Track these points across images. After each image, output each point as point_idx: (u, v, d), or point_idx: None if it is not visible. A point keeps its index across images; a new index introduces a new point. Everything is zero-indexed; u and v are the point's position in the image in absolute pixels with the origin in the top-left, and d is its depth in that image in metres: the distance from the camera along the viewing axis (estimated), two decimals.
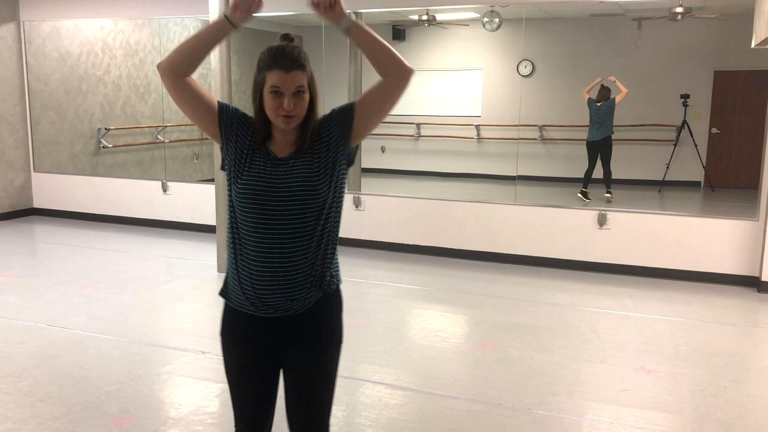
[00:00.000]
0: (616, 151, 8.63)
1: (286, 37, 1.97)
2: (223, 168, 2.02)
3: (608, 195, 8.36)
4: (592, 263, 6.36)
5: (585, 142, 8.74)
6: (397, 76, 1.95)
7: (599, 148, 8.50)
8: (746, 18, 6.47)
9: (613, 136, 8.52)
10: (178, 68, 1.92)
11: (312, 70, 1.95)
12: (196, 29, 8.89)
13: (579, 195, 8.47)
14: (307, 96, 1.93)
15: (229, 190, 2.00)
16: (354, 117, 1.98)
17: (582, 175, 8.67)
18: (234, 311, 2.04)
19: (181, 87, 1.94)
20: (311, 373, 2.03)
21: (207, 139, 8.94)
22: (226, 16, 1.89)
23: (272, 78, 1.88)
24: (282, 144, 1.99)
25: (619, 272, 6.25)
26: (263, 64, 1.91)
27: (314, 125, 1.98)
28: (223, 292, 2.06)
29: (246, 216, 1.95)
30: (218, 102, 2.01)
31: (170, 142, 8.81)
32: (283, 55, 1.88)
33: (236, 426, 2.15)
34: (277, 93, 1.89)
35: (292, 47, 1.92)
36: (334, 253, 2.04)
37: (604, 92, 8.42)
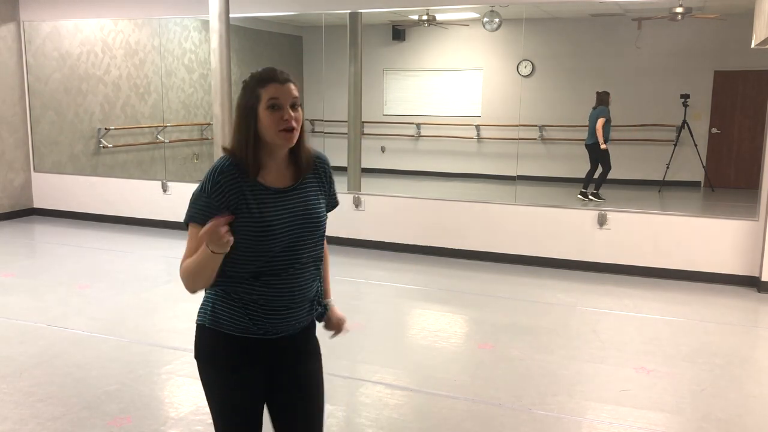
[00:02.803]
0: (617, 151, 8.63)
1: None
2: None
3: (580, 196, 8.38)
4: (592, 263, 6.36)
5: (584, 142, 8.80)
6: None
7: (590, 151, 8.59)
8: (746, 18, 6.47)
9: (613, 137, 8.54)
10: (199, 290, 1.94)
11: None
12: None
13: (590, 197, 8.48)
14: (301, 114, 1.93)
15: (234, 233, 1.87)
16: (327, 201, 2.08)
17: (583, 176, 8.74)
18: (227, 337, 1.93)
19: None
20: (315, 383, 2.07)
21: (207, 138, 8.95)
22: (207, 246, 1.82)
23: (269, 91, 1.86)
24: (276, 173, 1.94)
25: (619, 272, 6.24)
26: (254, 84, 1.88)
27: (308, 152, 2.00)
28: (213, 321, 1.94)
29: (261, 252, 1.88)
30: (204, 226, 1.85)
31: (170, 142, 8.81)
32: (275, 71, 1.90)
33: None
34: (274, 107, 1.86)
35: (278, 68, 1.94)
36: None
37: (601, 96, 8.46)
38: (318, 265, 2.03)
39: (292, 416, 2.05)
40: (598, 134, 8.32)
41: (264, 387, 2.00)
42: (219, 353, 1.95)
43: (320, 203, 2.02)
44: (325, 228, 2.03)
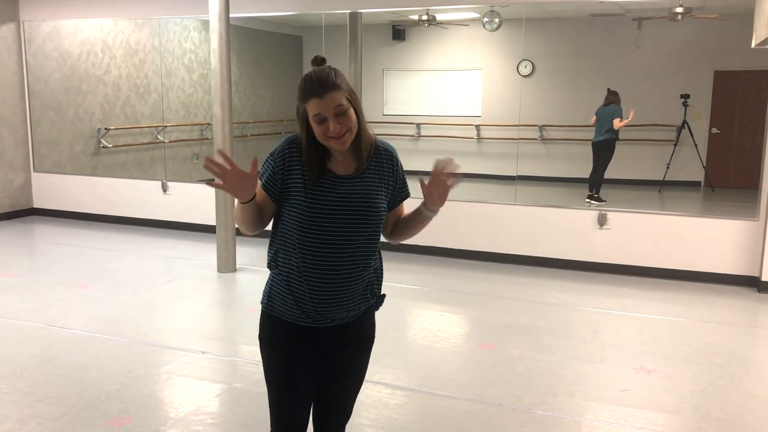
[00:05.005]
0: (617, 150, 8.62)
1: (315, 60, 2.01)
2: (277, 201, 2.02)
3: (588, 201, 8.35)
4: (592, 263, 6.36)
5: (584, 142, 8.79)
6: (392, 240, 2.24)
7: (596, 149, 8.57)
8: (746, 18, 6.47)
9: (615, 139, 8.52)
10: (250, 233, 2.06)
11: (349, 85, 1.97)
12: (198, 22, 8.87)
13: (594, 199, 8.46)
14: (351, 112, 1.94)
15: (288, 213, 2.00)
16: (397, 193, 2.14)
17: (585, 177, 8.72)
18: (282, 321, 2.06)
19: (265, 221, 2.06)
20: (356, 369, 2.18)
21: (207, 138, 8.95)
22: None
23: (311, 107, 1.91)
24: (343, 162, 2.02)
25: (619, 272, 6.25)
26: (300, 96, 1.95)
27: (369, 141, 2.04)
28: (269, 306, 2.09)
29: (311, 235, 1.97)
30: (263, 184, 2.01)
31: (170, 142, 8.81)
32: (313, 82, 1.92)
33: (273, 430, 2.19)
34: (320, 120, 1.91)
35: (321, 71, 1.94)
36: (381, 260, 2.17)
37: (612, 94, 8.45)
38: (370, 256, 2.06)
39: (329, 398, 2.18)
40: (616, 126, 8.31)
41: (316, 370, 2.11)
42: (274, 335, 2.10)
43: (379, 194, 2.05)
44: (381, 220, 2.06)
